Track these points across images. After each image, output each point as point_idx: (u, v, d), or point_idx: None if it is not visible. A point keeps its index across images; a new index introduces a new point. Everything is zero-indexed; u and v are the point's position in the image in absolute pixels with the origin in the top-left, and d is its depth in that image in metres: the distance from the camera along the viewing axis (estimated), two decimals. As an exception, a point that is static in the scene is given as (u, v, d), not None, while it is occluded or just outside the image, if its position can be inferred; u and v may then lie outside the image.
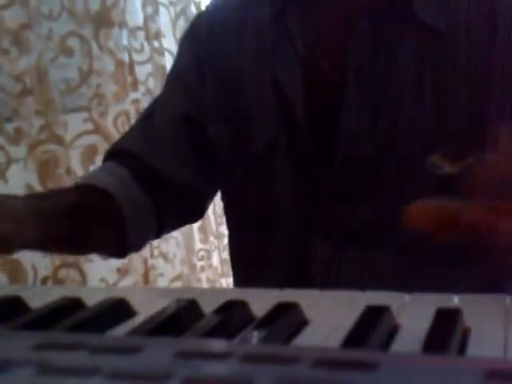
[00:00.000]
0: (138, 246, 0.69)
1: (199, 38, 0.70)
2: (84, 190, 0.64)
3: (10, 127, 1.21)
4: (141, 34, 1.44)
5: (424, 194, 0.57)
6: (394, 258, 0.59)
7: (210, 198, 0.75)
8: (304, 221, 0.63)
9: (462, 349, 0.27)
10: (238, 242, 0.74)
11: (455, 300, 0.33)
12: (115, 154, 0.72)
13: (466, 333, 0.29)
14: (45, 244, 0.57)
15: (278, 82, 0.62)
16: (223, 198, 0.74)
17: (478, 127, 0.56)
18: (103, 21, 1.32)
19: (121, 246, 0.66)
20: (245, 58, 0.65)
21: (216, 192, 0.75)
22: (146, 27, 1.44)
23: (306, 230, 0.63)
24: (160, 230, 0.71)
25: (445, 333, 0.28)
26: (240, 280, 0.75)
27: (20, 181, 1.21)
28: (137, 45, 1.43)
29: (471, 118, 0.56)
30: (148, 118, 0.73)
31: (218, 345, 0.27)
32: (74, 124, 1.30)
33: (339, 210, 0.61)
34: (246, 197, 0.67)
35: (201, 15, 0.74)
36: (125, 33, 1.39)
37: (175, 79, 0.73)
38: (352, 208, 0.60)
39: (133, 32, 1.42)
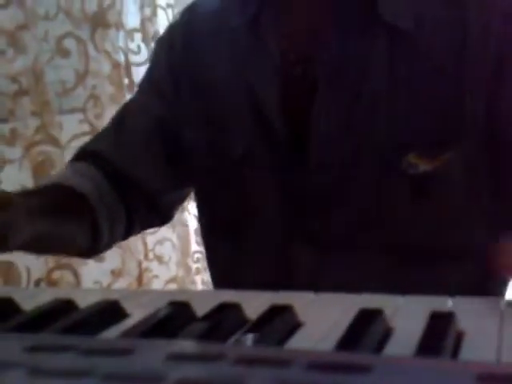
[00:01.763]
0: (106, 247, 0.69)
1: (175, 47, 0.70)
2: (58, 190, 0.64)
3: (5, 128, 1.20)
4: (137, 36, 1.44)
5: (400, 194, 0.58)
6: (379, 259, 0.59)
7: (178, 204, 0.75)
8: (285, 227, 0.63)
9: (455, 352, 0.27)
10: (216, 254, 0.73)
11: (449, 303, 0.33)
12: (86, 155, 0.71)
13: (459, 336, 0.29)
14: (33, 242, 0.55)
15: (253, 89, 0.62)
16: (199, 211, 0.73)
17: (453, 126, 0.57)
18: (100, 22, 1.32)
19: (93, 246, 0.66)
20: (220, 67, 0.65)
21: (185, 199, 0.76)
22: (143, 29, 1.44)
23: (288, 236, 0.62)
24: (128, 234, 0.71)
25: (438, 336, 0.27)
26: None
27: (14, 182, 1.21)
28: (133, 46, 1.43)
29: (445, 116, 0.57)
30: (120, 121, 0.73)
31: (210, 347, 0.27)
32: (69, 125, 1.30)
33: (319, 214, 0.61)
34: (223, 206, 0.67)
35: (176, 24, 0.74)
36: (121, 34, 1.39)
37: (149, 86, 0.72)
38: (331, 212, 0.60)
39: (130, 33, 1.42)
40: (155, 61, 0.74)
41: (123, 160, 0.69)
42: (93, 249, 0.67)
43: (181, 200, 0.76)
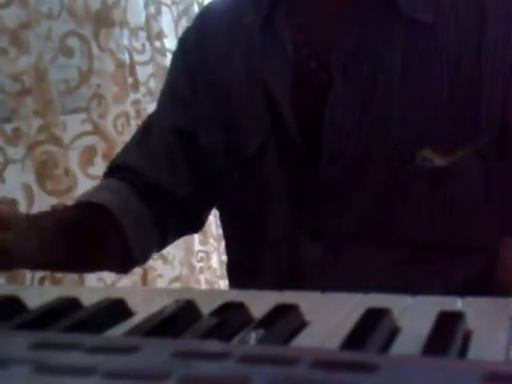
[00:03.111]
0: (142, 259, 0.68)
1: (189, 51, 0.70)
2: (82, 207, 0.64)
3: (8, 127, 1.20)
4: (142, 34, 1.43)
5: (414, 189, 0.58)
6: (388, 255, 0.59)
7: (208, 209, 0.75)
8: (296, 222, 0.63)
9: (463, 352, 0.27)
10: (232, 247, 0.74)
11: (459, 303, 0.33)
12: (114, 170, 0.72)
13: (467, 335, 0.29)
14: (46, 261, 0.55)
15: (267, 85, 0.62)
16: (218, 208, 0.73)
17: (468, 121, 0.56)
18: (104, 20, 1.31)
19: (125, 260, 0.66)
20: (235, 64, 0.65)
21: (214, 204, 0.75)
22: (147, 27, 1.44)
23: (298, 231, 0.63)
24: (163, 242, 0.71)
25: (445, 335, 0.27)
26: (234, 284, 0.74)
27: (17, 181, 1.21)
28: (138, 45, 1.42)
29: (461, 111, 0.56)
30: (144, 132, 0.73)
31: (215, 345, 0.27)
32: (72, 125, 1.30)
33: (330, 209, 0.61)
34: (239, 200, 0.67)
35: (189, 29, 0.74)
36: (126, 33, 1.38)
37: (168, 93, 0.73)
38: (343, 207, 0.60)
39: (134, 32, 1.42)
40: (171, 67, 0.75)
41: (148, 170, 0.69)
42: (125, 264, 0.67)
43: (209, 206, 0.75)
